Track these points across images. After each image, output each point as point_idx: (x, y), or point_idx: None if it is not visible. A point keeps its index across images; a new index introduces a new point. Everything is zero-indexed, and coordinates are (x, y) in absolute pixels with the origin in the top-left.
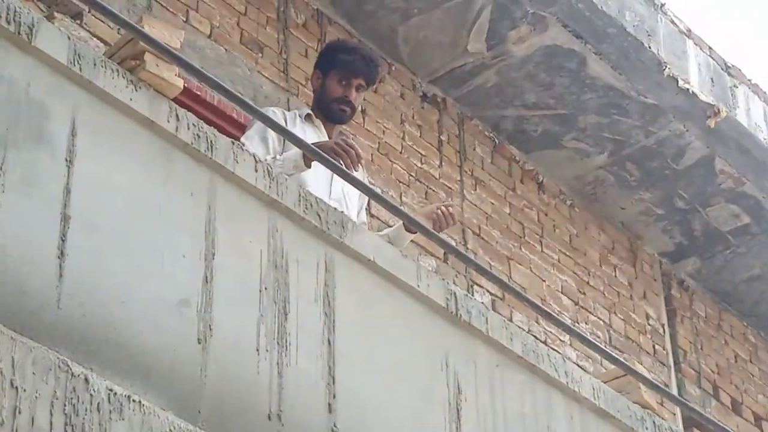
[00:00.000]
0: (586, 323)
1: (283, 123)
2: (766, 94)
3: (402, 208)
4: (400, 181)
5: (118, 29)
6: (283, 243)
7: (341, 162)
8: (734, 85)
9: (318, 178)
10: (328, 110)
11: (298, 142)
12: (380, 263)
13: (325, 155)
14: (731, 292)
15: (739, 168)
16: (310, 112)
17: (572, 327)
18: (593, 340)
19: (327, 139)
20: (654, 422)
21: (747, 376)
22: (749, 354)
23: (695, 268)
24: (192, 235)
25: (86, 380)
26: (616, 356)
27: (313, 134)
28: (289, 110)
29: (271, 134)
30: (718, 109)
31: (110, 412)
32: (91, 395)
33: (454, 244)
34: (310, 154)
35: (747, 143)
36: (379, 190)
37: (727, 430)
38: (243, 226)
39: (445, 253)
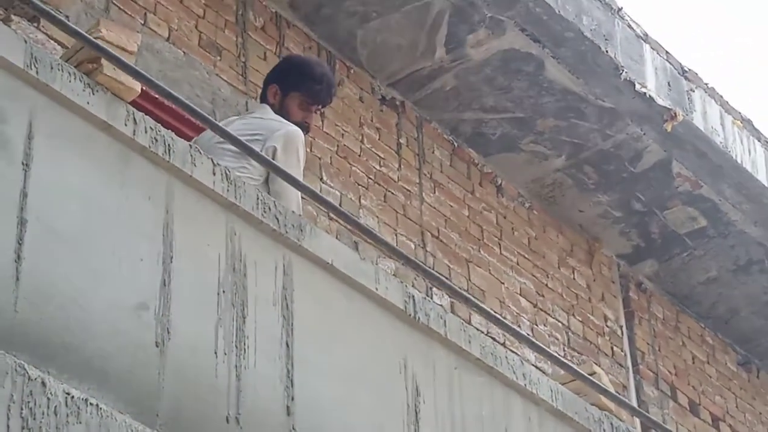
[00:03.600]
0: (544, 325)
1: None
2: (723, 97)
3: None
4: (359, 184)
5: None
6: (242, 246)
7: None
8: (691, 89)
9: None
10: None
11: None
12: (338, 266)
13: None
14: (689, 295)
15: (695, 171)
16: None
17: (523, 333)
18: (546, 347)
19: None
20: (612, 424)
21: (704, 378)
22: (706, 355)
23: (653, 270)
24: (150, 239)
25: (43, 384)
26: (570, 363)
27: None
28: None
29: None
30: (675, 113)
31: (67, 415)
32: (48, 399)
33: (413, 246)
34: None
35: (704, 147)
36: (338, 194)
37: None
38: (201, 230)
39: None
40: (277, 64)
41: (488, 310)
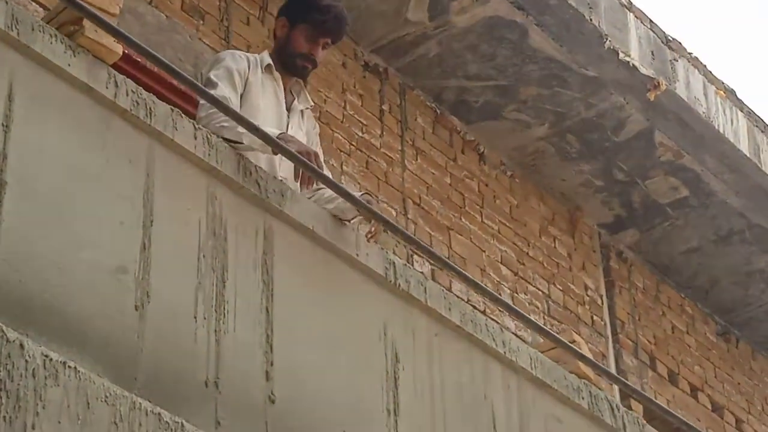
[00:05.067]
0: (525, 293)
1: (247, 68)
2: (706, 67)
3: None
4: (341, 150)
5: None
6: (222, 211)
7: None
8: (674, 59)
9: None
10: (292, 64)
11: (266, 138)
12: (319, 232)
13: (291, 152)
14: (669, 265)
15: (678, 141)
16: (271, 62)
17: (504, 301)
18: (528, 315)
19: (283, 92)
20: (590, 392)
21: (684, 348)
22: (686, 326)
23: (634, 240)
24: (130, 202)
25: (21, 346)
26: (550, 331)
27: (270, 88)
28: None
29: (237, 75)
30: (658, 83)
31: (45, 377)
32: (26, 361)
33: (394, 213)
34: (276, 147)
35: (686, 117)
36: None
37: (656, 402)
38: (182, 194)
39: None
40: None
41: (471, 277)
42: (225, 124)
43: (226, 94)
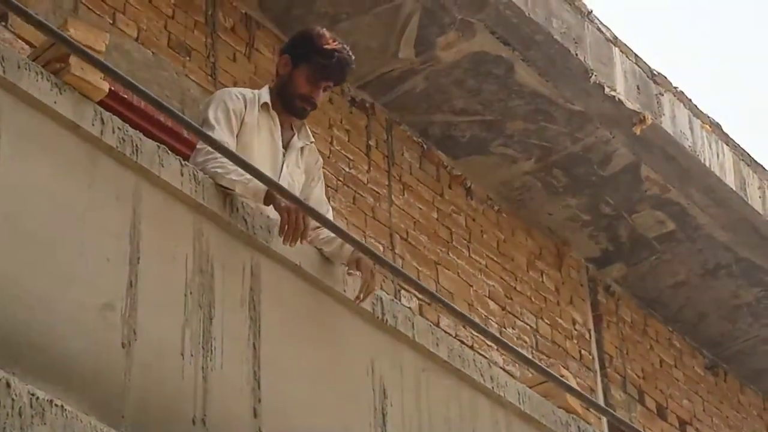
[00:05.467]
0: (513, 328)
1: (243, 108)
2: (691, 101)
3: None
4: (328, 186)
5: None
6: (209, 247)
7: (284, 229)
8: (660, 93)
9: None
10: (291, 104)
11: (260, 177)
12: (306, 268)
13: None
14: (657, 298)
15: (664, 175)
16: (268, 101)
17: (496, 335)
18: (517, 348)
19: (279, 130)
20: (579, 427)
21: (672, 381)
22: (674, 359)
23: (621, 273)
24: (117, 239)
25: (8, 384)
26: (539, 364)
27: (266, 127)
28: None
29: (234, 116)
30: (644, 117)
31: (32, 416)
32: (12, 399)
33: (381, 248)
34: (272, 190)
35: (672, 150)
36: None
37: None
38: (168, 231)
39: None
40: (295, 35)
41: (462, 311)
42: (219, 170)
43: (225, 139)
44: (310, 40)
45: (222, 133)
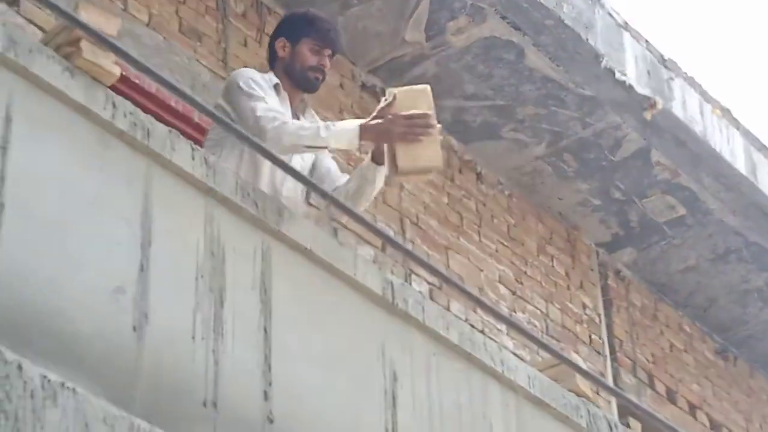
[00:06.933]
0: (523, 313)
1: (267, 88)
2: (702, 86)
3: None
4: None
5: (56, 16)
6: (220, 231)
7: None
8: (670, 78)
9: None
10: (305, 78)
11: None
12: (317, 252)
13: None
14: (667, 283)
15: (675, 160)
16: (279, 82)
17: (508, 317)
18: (529, 330)
19: (290, 111)
20: (589, 410)
21: (682, 366)
22: (684, 344)
23: (631, 258)
24: (128, 224)
25: (20, 367)
26: (550, 345)
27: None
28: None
29: (265, 85)
30: (655, 102)
31: (44, 398)
32: (24, 382)
33: (392, 233)
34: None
35: (683, 135)
36: None
37: (657, 416)
38: (179, 215)
39: (383, 243)
40: (280, 22)
41: (473, 293)
42: (303, 132)
43: (276, 106)
44: (299, 18)
45: (272, 100)
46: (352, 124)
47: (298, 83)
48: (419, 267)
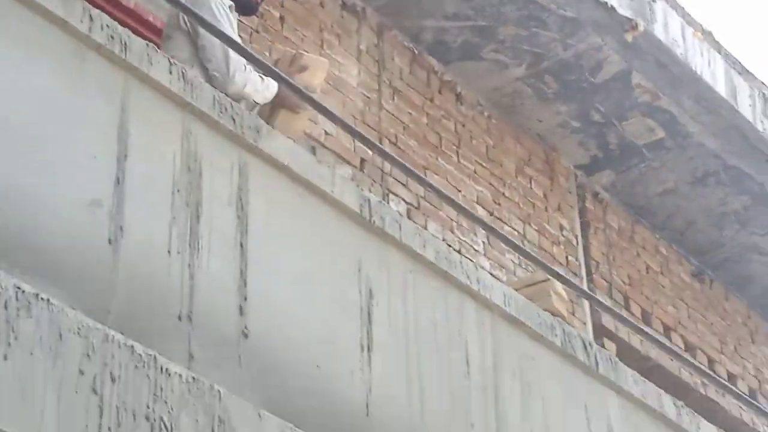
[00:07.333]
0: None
1: (228, 14)
2: (684, 9)
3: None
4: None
5: None
6: (197, 146)
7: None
8: (652, 0)
9: None
10: (248, 4)
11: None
12: (294, 168)
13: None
14: (645, 206)
15: (655, 82)
16: (232, 3)
17: (492, 226)
18: (515, 240)
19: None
20: (564, 330)
21: (658, 288)
22: (660, 266)
23: (610, 180)
24: (105, 137)
25: None
26: (532, 253)
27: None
28: None
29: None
30: (636, 24)
31: (18, 309)
32: None
33: (370, 153)
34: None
35: (664, 58)
36: None
37: (624, 317)
38: (156, 129)
39: (361, 162)
40: None
41: (458, 202)
42: (259, 88)
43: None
44: None
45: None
46: (275, 88)
47: (243, 7)
48: (397, 186)
